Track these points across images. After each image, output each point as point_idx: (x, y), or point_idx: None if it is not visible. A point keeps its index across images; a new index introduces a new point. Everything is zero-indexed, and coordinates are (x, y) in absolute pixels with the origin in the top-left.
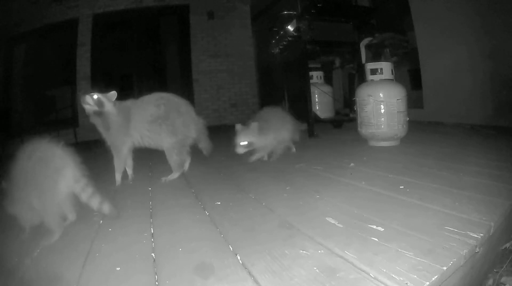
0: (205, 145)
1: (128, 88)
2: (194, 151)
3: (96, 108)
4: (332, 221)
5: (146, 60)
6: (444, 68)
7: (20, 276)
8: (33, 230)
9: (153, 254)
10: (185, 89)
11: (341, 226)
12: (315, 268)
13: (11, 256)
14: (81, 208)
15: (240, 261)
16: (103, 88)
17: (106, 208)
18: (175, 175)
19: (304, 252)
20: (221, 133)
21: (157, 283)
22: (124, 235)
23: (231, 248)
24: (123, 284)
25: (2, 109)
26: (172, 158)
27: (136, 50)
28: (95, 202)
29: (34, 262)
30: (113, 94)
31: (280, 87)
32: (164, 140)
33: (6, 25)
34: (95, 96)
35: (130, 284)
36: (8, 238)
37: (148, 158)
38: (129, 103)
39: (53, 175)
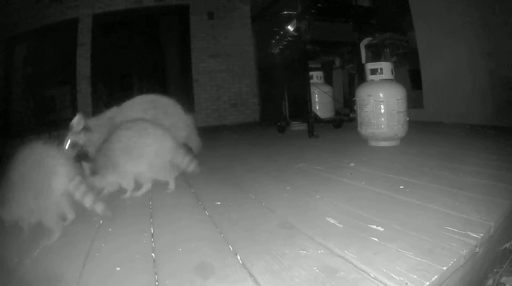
0: (194, 143)
1: (128, 88)
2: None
3: (75, 153)
4: (332, 221)
5: (146, 60)
6: (444, 68)
7: (20, 276)
8: (33, 230)
9: (153, 254)
10: (185, 89)
11: (341, 226)
12: (315, 268)
13: (11, 256)
14: (81, 208)
15: (240, 261)
16: (103, 88)
17: (99, 207)
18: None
19: (304, 252)
20: (221, 133)
21: (157, 283)
22: (124, 235)
23: (231, 248)
24: (123, 284)
25: (2, 109)
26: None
27: (136, 50)
28: (88, 201)
29: (34, 262)
30: (78, 120)
31: (280, 87)
32: None
33: (6, 25)
34: (68, 143)
35: (130, 284)
36: (8, 238)
37: None
38: (112, 111)
39: (47, 174)
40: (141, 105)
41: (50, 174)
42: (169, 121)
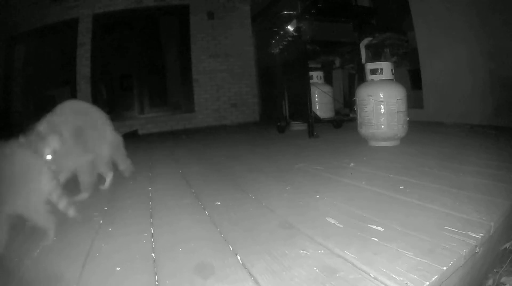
0: (123, 163)
1: (128, 88)
2: (193, 152)
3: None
4: (332, 221)
5: (146, 60)
6: (444, 68)
7: (20, 276)
8: (33, 230)
9: (153, 254)
10: (185, 89)
11: (341, 226)
12: (315, 268)
13: (11, 256)
14: (81, 209)
15: (240, 261)
16: (103, 88)
17: (71, 212)
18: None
19: (304, 252)
20: (221, 133)
21: (157, 283)
22: (124, 235)
23: (231, 248)
24: (123, 284)
25: (2, 109)
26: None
27: (136, 50)
28: (62, 203)
29: (34, 262)
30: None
31: (280, 87)
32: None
33: (6, 25)
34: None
35: (130, 284)
36: (8, 238)
37: (148, 158)
38: (42, 125)
39: (36, 175)
40: (71, 113)
41: (39, 175)
42: (96, 134)
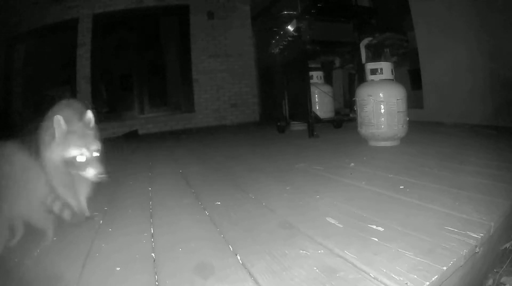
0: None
1: (128, 88)
2: (193, 152)
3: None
4: (332, 221)
5: (146, 60)
6: (444, 68)
7: (20, 276)
8: (32, 230)
9: (153, 254)
10: (185, 89)
11: (341, 226)
12: (315, 268)
13: (11, 256)
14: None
15: (240, 261)
16: (103, 88)
17: (66, 214)
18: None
19: (304, 252)
20: (221, 133)
21: (157, 283)
22: (124, 235)
23: (231, 248)
24: (123, 284)
25: (1, 109)
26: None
27: (136, 50)
28: (56, 206)
29: (34, 262)
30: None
31: (280, 87)
32: None
33: (6, 25)
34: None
35: (130, 284)
36: (7, 239)
37: (148, 158)
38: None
39: (34, 176)
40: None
41: (37, 176)
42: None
